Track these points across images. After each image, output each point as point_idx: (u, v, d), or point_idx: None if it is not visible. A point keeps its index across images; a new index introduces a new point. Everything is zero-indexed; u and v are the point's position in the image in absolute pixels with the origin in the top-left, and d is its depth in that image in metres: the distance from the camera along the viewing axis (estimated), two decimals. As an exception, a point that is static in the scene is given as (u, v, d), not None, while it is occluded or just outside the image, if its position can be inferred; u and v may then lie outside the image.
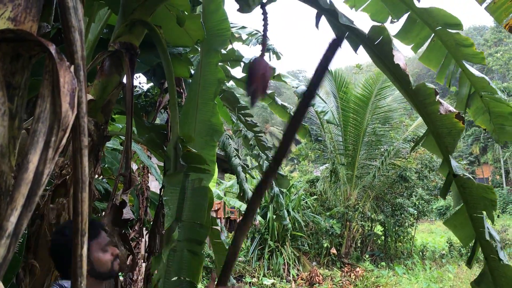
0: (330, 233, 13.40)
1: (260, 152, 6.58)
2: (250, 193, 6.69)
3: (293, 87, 6.42)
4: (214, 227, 3.82)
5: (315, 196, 14.78)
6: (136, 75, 4.97)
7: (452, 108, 2.06)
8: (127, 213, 2.02)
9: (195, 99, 3.14)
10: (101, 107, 2.51)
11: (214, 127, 3.14)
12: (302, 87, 7.16)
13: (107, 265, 1.78)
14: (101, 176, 4.70)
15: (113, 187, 2.30)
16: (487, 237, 2.19)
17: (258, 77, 1.16)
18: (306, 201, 14.06)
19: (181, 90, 4.38)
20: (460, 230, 2.60)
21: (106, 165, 5.31)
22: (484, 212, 2.24)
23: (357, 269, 10.70)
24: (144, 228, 5.77)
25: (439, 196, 14.60)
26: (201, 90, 3.13)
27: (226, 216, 15.30)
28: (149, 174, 6.48)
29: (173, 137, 2.31)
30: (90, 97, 2.47)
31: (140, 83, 6.19)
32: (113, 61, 2.47)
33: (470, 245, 2.74)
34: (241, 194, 6.46)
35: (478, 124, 3.22)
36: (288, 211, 12.07)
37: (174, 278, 2.27)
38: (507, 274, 2.26)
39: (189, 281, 2.30)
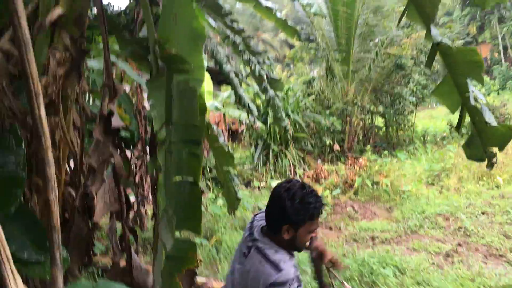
0: (331, 130, 13.60)
1: (251, 57, 6.46)
2: (246, 98, 6.69)
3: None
4: (211, 131, 3.88)
5: (313, 96, 14.78)
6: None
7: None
8: (116, 122, 2.03)
9: (172, 4, 3.02)
10: (73, 20, 2.42)
11: (196, 31, 3.03)
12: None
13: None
14: (90, 94, 4.66)
15: (101, 99, 2.30)
16: (472, 102, 2.20)
17: None
18: (304, 102, 14.10)
19: (157, -2, 4.21)
20: (447, 98, 2.61)
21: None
22: (470, 77, 2.23)
23: (360, 160, 10.97)
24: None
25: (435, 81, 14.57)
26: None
27: (227, 128, 15.47)
28: (143, 92, 6.45)
29: (150, 41, 2.26)
30: (59, 11, 2.38)
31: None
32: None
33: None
34: (238, 100, 6.47)
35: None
36: (287, 114, 12.15)
37: (174, 179, 2.33)
38: (495, 134, 2.31)
39: (190, 181, 2.36)
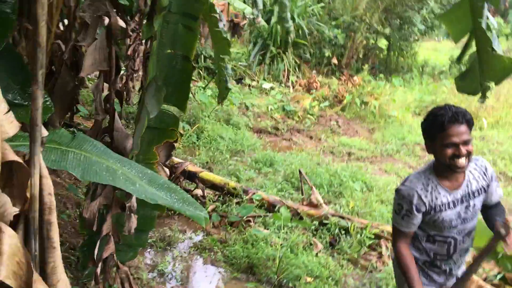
0: (333, 43, 13.29)
1: None
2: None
3: None
4: (213, 14, 3.76)
5: (322, 4, 14.21)
6: None
7: None
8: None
9: None
10: None
11: None
12: None
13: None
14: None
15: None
16: (484, 26, 2.15)
17: None
18: (312, 9, 13.58)
19: None
20: (455, 24, 2.54)
21: None
22: (487, 1, 2.15)
23: (355, 78, 10.90)
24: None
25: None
26: None
27: (229, 19, 14.98)
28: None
29: None
30: None
31: None
32: None
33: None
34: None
35: None
36: (293, 17, 11.76)
37: (168, 51, 2.31)
38: (496, 65, 2.29)
39: (183, 55, 2.34)
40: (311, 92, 10.61)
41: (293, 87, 11.21)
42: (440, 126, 1.93)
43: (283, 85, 11.35)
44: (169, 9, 2.22)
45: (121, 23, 2.54)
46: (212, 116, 7.88)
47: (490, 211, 2.20)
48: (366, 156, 7.28)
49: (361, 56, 14.28)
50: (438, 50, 21.28)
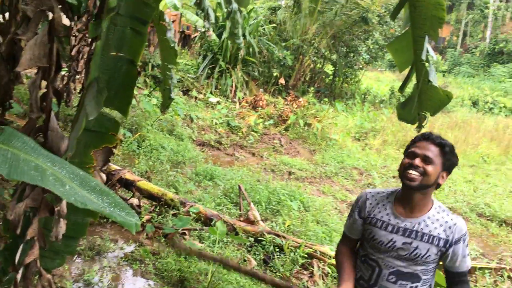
0: (282, 63, 13.55)
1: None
2: (207, 3, 6.42)
3: None
4: (162, 22, 3.72)
5: (273, 25, 14.51)
6: None
7: None
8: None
9: None
10: None
11: None
12: None
13: None
14: None
15: None
16: (424, 58, 2.28)
17: None
18: (264, 28, 13.83)
19: None
20: (400, 54, 2.68)
21: None
22: (428, 33, 2.28)
23: (300, 99, 11.15)
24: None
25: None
26: None
27: (180, 30, 14.92)
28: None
29: None
30: None
31: None
32: None
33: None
34: (198, 2, 6.19)
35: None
36: (244, 35, 11.88)
37: (113, 53, 2.25)
38: (433, 97, 2.42)
39: (129, 58, 2.29)
40: (256, 109, 10.72)
41: (240, 103, 11.28)
42: (413, 141, 1.99)
43: (229, 100, 11.40)
44: (118, 11, 2.18)
45: (66, 20, 2.45)
46: (155, 125, 7.75)
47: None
48: (306, 176, 7.42)
49: (307, 78, 14.66)
50: (380, 80, 22.26)
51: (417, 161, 1.88)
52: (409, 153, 1.95)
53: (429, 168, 1.87)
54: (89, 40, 5.59)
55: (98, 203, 1.37)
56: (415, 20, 2.32)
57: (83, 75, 6.33)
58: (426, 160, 1.88)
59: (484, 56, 39.20)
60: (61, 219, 2.16)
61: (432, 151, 1.89)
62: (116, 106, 2.46)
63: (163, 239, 4.39)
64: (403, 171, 1.93)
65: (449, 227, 1.91)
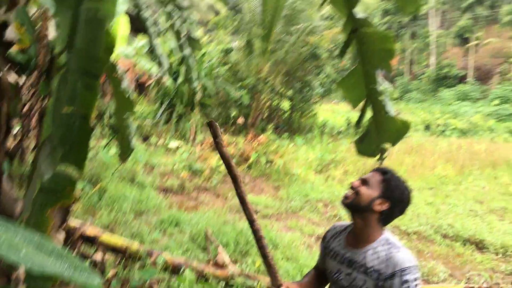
0: (239, 103, 13.73)
1: (173, 10, 6.25)
2: (160, 50, 6.48)
3: None
4: (115, 73, 3.72)
5: (227, 66, 14.77)
6: None
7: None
8: (10, 34, 1.86)
9: None
10: None
11: (118, -38, 2.88)
12: None
13: None
14: None
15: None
16: (379, 89, 2.36)
17: None
18: (218, 70, 14.04)
19: None
20: (352, 90, 2.76)
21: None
22: (379, 67, 2.37)
23: (260, 137, 11.26)
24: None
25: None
26: None
27: (135, 78, 14.93)
28: (50, 20, 5.97)
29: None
30: None
31: None
32: None
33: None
34: (151, 50, 6.25)
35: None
36: (199, 77, 12.02)
37: (65, 109, 2.22)
38: (391, 127, 2.49)
39: (81, 113, 2.27)
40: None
41: (200, 146, 11.26)
42: None
43: (190, 143, 11.37)
44: (68, 67, 2.17)
45: (14, 78, 2.42)
46: (115, 175, 7.60)
47: None
48: (272, 213, 7.40)
49: (266, 116, 14.89)
50: (336, 112, 22.84)
51: (356, 183, 1.93)
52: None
53: (363, 189, 1.89)
54: (41, 95, 5.52)
55: (56, 267, 1.33)
56: (365, 55, 2.42)
57: (37, 132, 6.20)
58: (364, 182, 1.92)
59: (431, 82, 41.15)
60: (19, 286, 2.06)
61: (374, 177, 1.92)
62: (71, 162, 2.41)
63: (131, 293, 4.24)
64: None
65: (385, 260, 1.83)
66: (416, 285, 1.77)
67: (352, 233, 1.99)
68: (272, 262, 2.12)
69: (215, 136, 2.10)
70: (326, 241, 2.10)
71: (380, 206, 1.88)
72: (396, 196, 1.89)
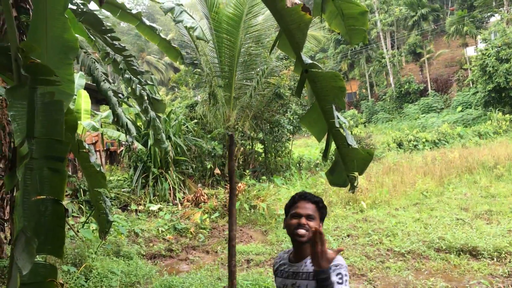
0: (212, 154, 13.73)
1: (132, 76, 6.31)
2: (124, 118, 6.49)
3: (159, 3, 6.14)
4: (82, 150, 3.68)
5: (195, 120, 14.86)
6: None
7: (297, 0, 2.13)
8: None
9: (43, 14, 2.85)
10: None
11: (68, 43, 2.90)
12: (169, 4, 6.88)
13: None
14: None
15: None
16: (337, 125, 2.40)
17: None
18: (187, 126, 14.10)
19: (27, 6, 3.96)
20: (314, 126, 2.81)
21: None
22: (334, 103, 2.43)
23: (239, 184, 11.20)
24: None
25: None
26: (48, 3, 2.84)
27: (105, 149, 14.81)
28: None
29: (12, 49, 2.10)
30: None
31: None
32: None
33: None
34: (115, 120, 6.24)
35: (333, 28, 3.37)
36: (169, 137, 12.02)
37: (35, 198, 2.17)
38: (356, 157, 2.53)
39: (52, 198, 2.22)
40: (199, 205, 10.61)
41: (181, 204, 11.12)
42: (292, 201, 2.32)
43: (170, 204, 11.22)
44: (31, 156, 2.14)
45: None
46: (99, 251, 7.38)
47: None
48: (265, 259, 7.27)
49: (241, 162, 14.89)
50: (310, 145, 23.09)
51: (303, 220, 2.21)
52: (293, 214, 2.26)
53: (312, 223, 2.20)
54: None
55: None
56: (318, 93, 2.48)
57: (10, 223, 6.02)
58: (309, 217, 2.22)
59: (394, 100, 42.28)
60: None
61: (312, 209, 2.25)
62: (48, 250, 2.33)
63: None
64: (293, 230, 2.23)
65: None
66: (346, 275, 2.11)
67: (294, 253, 2.32)
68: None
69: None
70: (275, 268, 2.40)
71: (321, 227, 2.25)
72: (325, 215, 2.33)
